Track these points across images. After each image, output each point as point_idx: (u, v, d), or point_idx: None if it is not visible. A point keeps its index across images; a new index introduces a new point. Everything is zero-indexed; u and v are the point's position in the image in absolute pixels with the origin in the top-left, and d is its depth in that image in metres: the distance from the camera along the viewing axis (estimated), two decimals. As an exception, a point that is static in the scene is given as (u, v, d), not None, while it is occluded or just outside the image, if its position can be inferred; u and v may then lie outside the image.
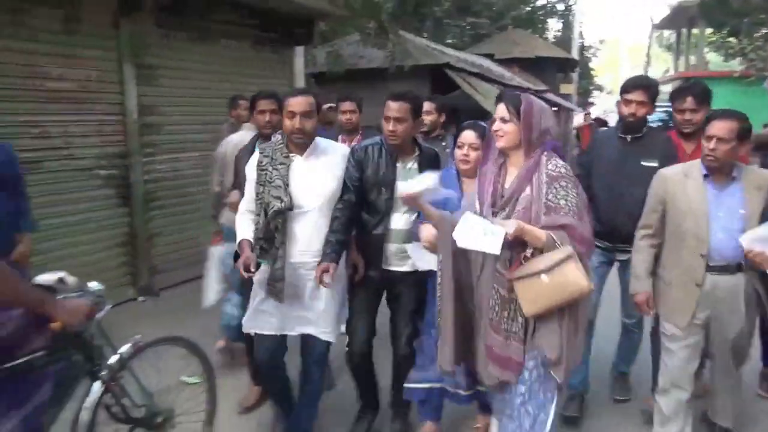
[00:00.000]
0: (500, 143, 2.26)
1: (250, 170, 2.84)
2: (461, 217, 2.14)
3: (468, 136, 2.79)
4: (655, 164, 3.05)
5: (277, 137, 2.84)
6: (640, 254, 2.92)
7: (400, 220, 2.87)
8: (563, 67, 20.74)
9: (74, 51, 4.88)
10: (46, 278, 2.17)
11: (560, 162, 2.22)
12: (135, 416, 2.43)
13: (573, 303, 2.14)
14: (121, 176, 5.39)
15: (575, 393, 3.40)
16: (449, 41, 19.12)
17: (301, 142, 2.75)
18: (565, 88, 20.87)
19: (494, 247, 2.03)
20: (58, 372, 2.14)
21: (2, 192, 3.20)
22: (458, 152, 2.83)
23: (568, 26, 25.45)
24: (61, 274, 2.19)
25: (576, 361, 2.29)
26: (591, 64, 30.34)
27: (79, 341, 2.20)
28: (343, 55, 11.34)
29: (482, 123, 2.82)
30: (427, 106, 3.78)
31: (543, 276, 2.06)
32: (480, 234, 2.06)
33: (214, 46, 6.33)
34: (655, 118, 5.01)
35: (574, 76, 22.42)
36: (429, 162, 2.93)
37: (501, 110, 2.24)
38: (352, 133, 4.02)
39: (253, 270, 2.63)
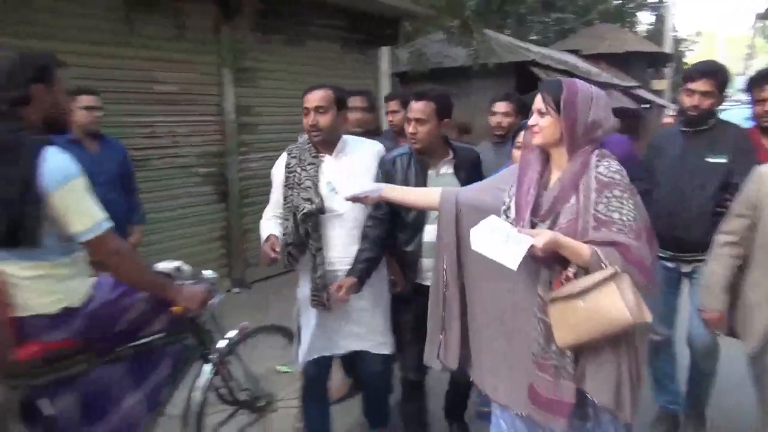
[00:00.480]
0: (536, 140, 1.88)
1: (277, 173, 2.69)
2: (485, 219, 1.78)
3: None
4: (723, 160, 2.72)
5: (303, 137, 2.69)
6: (718, 264, 2.43)
7: (433, 233, 2.40)
8: (655, 62, 19.76)
9: (180, 56, 5.22)
10: (164, 266, 2.34)
11: (614, 165, 1.81)
12: (240, 399, 2.58)
13: (623, 333, 1.72)
14: (218, 174, 5.70)
15: (665, 414, 3.09)
16: (532, 38, 18.71)
17: (318, 140, 2.57)
18: (658, 84, 19.87)
19: (513, 259, 1.64)
20: (174, 353, 2.31)
21: (118, 187, 3.48)
22: (516, 153, 2.50)
23: (660, 19, 24.18)
24: (177, 263, 2.36)
25: (638, 397, 1.86)
26: (686, 59, 28.72)
27: (194, 326, 2.37)
28: (426, 54, 11.38)
29: None
30: (504, 107, 3.46)
31: (579, 300, 1.68)
32: (501, 241, 1.68)
33: (305, 48, 6.56)
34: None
35: (667, 71, 21.30)
36: (467, 165, 2.64)
37: (538, 101, 1.88)
38: (401, 135, 3.34)
39: (277, 250, 2.50)
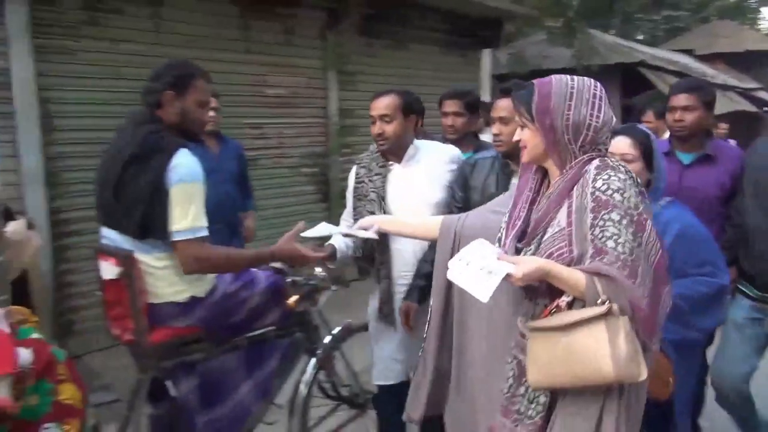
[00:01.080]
0: (524, 157, 1.64)
1: (349, 182, 2.64)
2: (470, 244, 1.55)
3: (621, 144, 2.08)
4: None
5: (373, 146, 2.59)
6: None
7: None
8: (779, 62, 18.16)
9: (288, 61, 5.46)
10: (275, 264, 2.46)
11: (617, 180, 1.47)
12: (342, 394, 2.67)
13: (607, 388, 1.42)
14: (321, 174, 5.91)
15: None
16: (639, 37, 17.79)
17: (385, 148, 2.47)
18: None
19: (483, 291, 1.41)
20: (284, 347, 2.43)
21: (235, 181, 3.73)
22: None
23: (787, 14, 22.19)
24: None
25: None
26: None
27: (303, 321, 2.47)
28: (525, 56, 11.15)
29: (643, 127, 2.23)
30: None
31: (562, 335, 1.42)
32: (477, 269, 1.45)
33: (406, 51, 6.63)
34: None
35: (794, 71, 19.50)
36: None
37: (516, 114, 1.66)
38: (459, 143, 2.87)
39: (319, 255, 2.37)
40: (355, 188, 2.57)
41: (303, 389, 2.49)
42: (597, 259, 1.43)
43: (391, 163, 2.52)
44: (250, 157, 5.03)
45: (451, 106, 2.94)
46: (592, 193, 1.47)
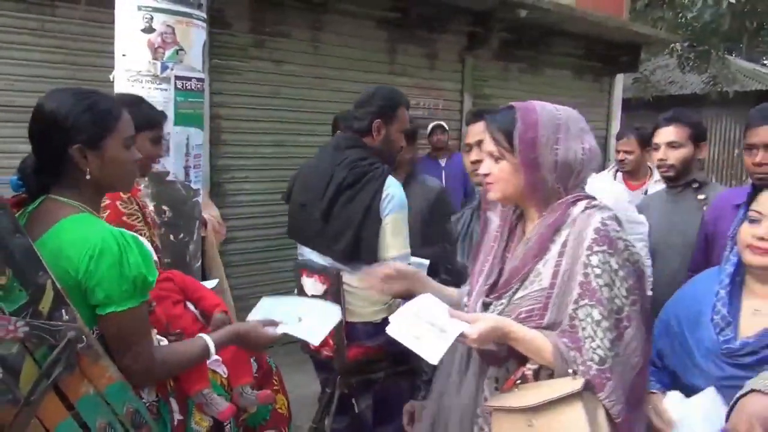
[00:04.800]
0: (492, 194, 1.39)
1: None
2: (415, 298, 1.36)
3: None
4: None
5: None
6: None
7: None
8: None
9: (429, 83, 5.58)
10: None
11: (614, 222, 1.29)
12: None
13: None
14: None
15: None
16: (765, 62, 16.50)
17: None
18: None
19: (432, 352, 1.20)
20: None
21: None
22: None
23: None
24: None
25: None
26: None
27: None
28: (651, 81, 10.69)
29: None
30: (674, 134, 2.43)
31: (529, 420, 1.21)
32: (426, 327, 1.25)
33: (540, 76, 6.59)
34: None
35: None
36: None
37: (487, 142, 1.39)
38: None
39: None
40: None
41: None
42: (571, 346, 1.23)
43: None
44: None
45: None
46: (585, 266, 1.25)
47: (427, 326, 1.26)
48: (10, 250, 1.11)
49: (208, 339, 1.43)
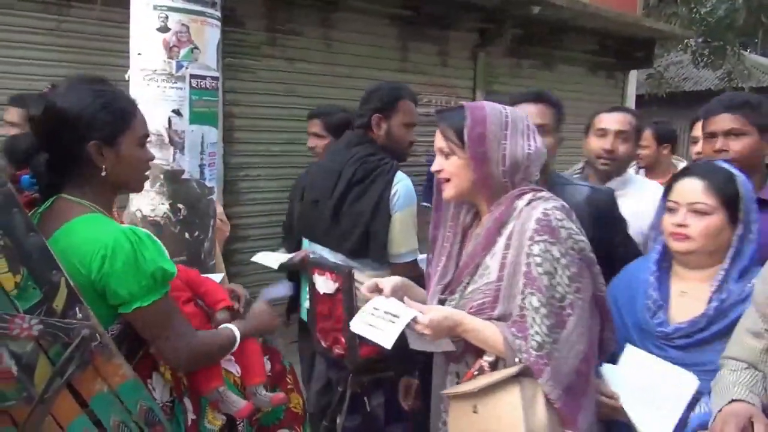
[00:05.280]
0: (446, 192, 1.44)
1: None
2: (375, 297, 1.44)
3: (690, 189, 1.57)
4: None
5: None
6: None
7: None
8: None
9: (441, 81, 5.54)
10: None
11: (559, 211, 1.33)
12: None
13: None
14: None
15: None
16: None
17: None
18: None
19: (385, 337, 1.29)
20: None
21: None
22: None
23: None
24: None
25: None
26: None
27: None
28: (665, 77, 10.58)
29: (725, 164, 1.64)
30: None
31: (473, 404, 1.28)
32: (381, 315, 1.35)
33: (553, 72, 6.54)
34: None
35: None
36: None
37: (438, 139, 1.44)
38: None
39: None
40: None
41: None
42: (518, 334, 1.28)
43: None
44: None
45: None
46: (527, 256, 1.30)
47: (383, 316, 1.35)
48: (25, 248, 1.12)
49: (233, 328, 1.44)
